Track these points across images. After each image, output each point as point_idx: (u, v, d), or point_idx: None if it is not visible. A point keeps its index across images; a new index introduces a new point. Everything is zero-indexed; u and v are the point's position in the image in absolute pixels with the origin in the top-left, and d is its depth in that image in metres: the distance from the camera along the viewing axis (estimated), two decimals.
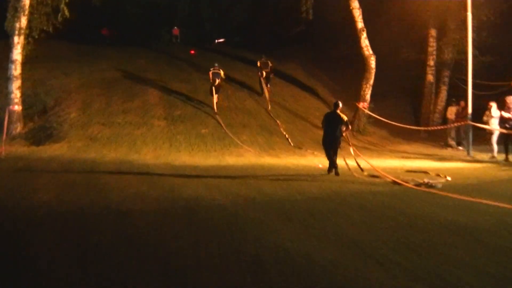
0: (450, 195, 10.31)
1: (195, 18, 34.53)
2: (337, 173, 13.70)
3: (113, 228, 7.58)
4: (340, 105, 14.28)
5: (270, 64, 25.06)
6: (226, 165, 15.90)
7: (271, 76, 25.20)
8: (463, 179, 13.08)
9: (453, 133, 22.59)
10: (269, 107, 23.60)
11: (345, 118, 14.08)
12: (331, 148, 13.94)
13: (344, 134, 14.26)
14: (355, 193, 10.69)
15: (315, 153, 18.59)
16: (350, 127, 14.66)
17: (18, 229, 7.54)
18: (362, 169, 14.23)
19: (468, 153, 19.28)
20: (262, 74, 24.92)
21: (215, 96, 23.22)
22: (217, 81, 23.48)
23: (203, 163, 16.35)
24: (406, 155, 19.74)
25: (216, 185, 11.51)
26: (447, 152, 21.15)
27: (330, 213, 8.54)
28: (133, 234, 7.22)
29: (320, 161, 16.16)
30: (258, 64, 25.29)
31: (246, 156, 18.22)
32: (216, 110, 22.42)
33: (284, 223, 7.80)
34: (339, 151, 14.22)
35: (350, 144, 15.68)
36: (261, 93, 24.97)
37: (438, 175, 13.39)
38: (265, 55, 25.95)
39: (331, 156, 13.86)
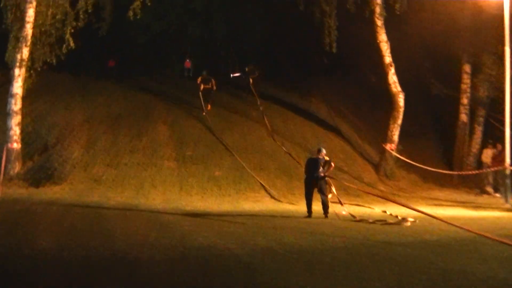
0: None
1: (208, 48, 34.68)
2: (326, 215, 14.92)
3: (119, 280, 7.61)
4: (323, 151, 15.93)
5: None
6: (241, 211, 15.97)
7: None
8: (500, 229, 12.95)
9: (490, 178, 22.36)
10: (270, 128, 24.60)
11: (326, 158, 15.73)
12: (311, 186, 15.25)
13: (325, 173, 15.49)
14: (382, 243, 10.64)
15: (335, 196, 18.56)
16: (333, 164, 15.93)
17: (16, 279, 7.55)
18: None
19: (507, 201, 19.04)
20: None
21: (208, 105, 26.14)
22: (203, 86, 26.27)
23: (217, 208, 16.42)
24: (438, 203, 19.69)
25: (231, 233, 11.53)
26: (483, 199, 21.04)
27: (356, 265, 8.49)
28: (141, 286, 7.24)
29: (343, 207, 16.12)
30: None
31: (264, 202, 18.35)
32: (205, 112, 25.30)
33: (306, 278, 7.73)
34: (329, 190, 15.69)
35: (332, 191, 16.39)
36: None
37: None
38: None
39: (311, 199, 15.14)
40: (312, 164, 15.58)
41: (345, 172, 22.87)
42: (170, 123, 24.87)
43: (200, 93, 26.65)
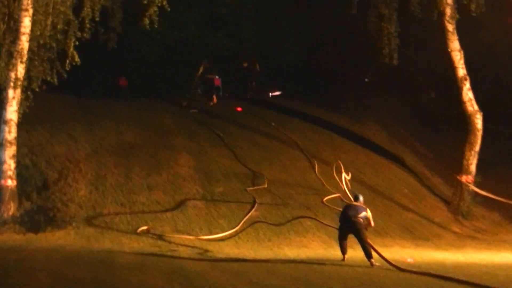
0: None
1: (237, 60, 34.72)
2: (371, 263, 14.87)
3: None
4: (361, 198, 16.14)
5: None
6: (284, 259, 15.86)
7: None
8: None
9: None
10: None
11: (369, 213, 15.70)
12: (348, 231, 15.50)
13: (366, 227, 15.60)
14: None
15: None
16: (372, 224, 15.99)
17: None
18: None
19: None
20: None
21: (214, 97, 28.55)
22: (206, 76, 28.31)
23: (253, 255, 16.31)
24: None
25: (270, 286, 11.45)
26: None
27: None
28: None
29: (409, 253, 15.89)
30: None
31: (311, 247, 18.15)
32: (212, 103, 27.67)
33: None
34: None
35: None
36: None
37: None
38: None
39: (345, 243, 15.55)
40: (352, 211, 15.66)
41: (410, 211, 22.57)
42: (195, 153, 24.82)
43: (202, 85, 28.73)
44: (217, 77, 32.74)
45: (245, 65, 29.28)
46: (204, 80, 27.11)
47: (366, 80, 35.59)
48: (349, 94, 33.31)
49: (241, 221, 19.63)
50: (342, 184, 20.34)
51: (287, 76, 33.27)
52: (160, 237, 18.38)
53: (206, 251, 17.03)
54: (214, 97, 27.02)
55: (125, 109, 29.99)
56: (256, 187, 22.19)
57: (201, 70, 27.33)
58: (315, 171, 23.98)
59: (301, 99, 32.06)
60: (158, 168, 23.16)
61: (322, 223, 19.34)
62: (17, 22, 21.34)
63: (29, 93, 21.90)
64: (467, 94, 24.26)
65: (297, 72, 34.26)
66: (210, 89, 26.89)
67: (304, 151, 25.75)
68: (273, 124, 27.91)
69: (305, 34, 35.03)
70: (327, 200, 20.74)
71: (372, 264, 14.77)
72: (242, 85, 27.82)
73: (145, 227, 18.76)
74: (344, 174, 20.40)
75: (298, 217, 19.98)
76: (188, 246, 17.64)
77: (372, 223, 15.90)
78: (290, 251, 17.25)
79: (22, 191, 21.20)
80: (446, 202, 24.36)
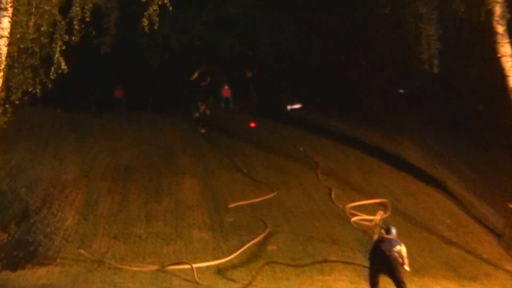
0: None
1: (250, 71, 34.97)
2: None
3: None
4: (394, 231, 15.90)
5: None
6: None
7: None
8: None
9: None
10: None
11: (403, 248, 15.52)
12: (381, 269, 15.33)
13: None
14: None
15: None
16: (406, 263, 15.69)
17: None
18: None
19: None
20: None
21: (205, 107, 27.90)
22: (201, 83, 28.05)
23: None
24: None
25: None
26: None
27: None
28: None
29: None
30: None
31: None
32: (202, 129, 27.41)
33: None
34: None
35: None
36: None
37: None
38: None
39: (377, 283, 15.40)
40: (385, 245, 15.55)
41: (454, 245, 22.12)
42: (201, 177, 24.79)
43: (196, 93, 28.38)
44: (226, 87, 32.92)
45: (249, 75, 29.44)
46: (198, 87, 27.05)
47: (401, 91, 35.51)
48: (381, 107, 33.39)
49: (255, 256, 19.44)
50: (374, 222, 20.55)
51: (307, 85, 33.29)
52: (159, 275, 18.08)
53: None
54: (204, 107, 27.08)
55: (121, 125, 30.13)
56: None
57: (195, 75, 27.28)
58: (331, 197, 23.93)
59: (324, 112, 32.10)
60: (159, 194, 23.03)
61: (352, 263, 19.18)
62: None
63: (7, 106, 21.72)
64: None
65: (319, 81, 34.26)
66: (203, 97, 26.95)
67: (325, 174, 25.80)
68: (301, 149, 28.05)
69: (328, 36, 35.02)
70: (355, 221, 21.13)
71: None
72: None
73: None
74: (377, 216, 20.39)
75: (322, 261, 19.63)
76: (193, 286, 17.33)
77: (407, 263, 15.64)
78: None
79: None
80: (497, 234, 23.79)
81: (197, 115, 31.07)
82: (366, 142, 29.14)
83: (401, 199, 24.79)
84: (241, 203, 22.72)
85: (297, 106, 32.67)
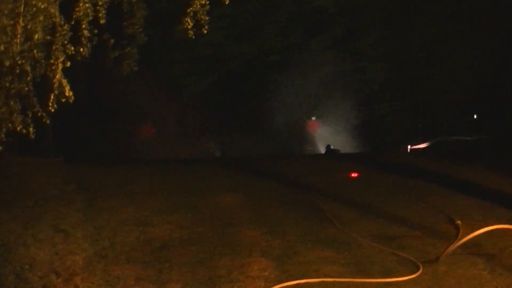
0: None
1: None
2: None
3: None
4: None
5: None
6: None
7: None
8: None
9: None
10: None
11: None
12: None
13: None
14: None
15: None
16: None
17: None
18: None
19: None
20: None
21: None
22: None
23: None
24: None
25: None
26: None
27: None
28: None
29: None
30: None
31: None
32: None
33: None
34: None
35: None
36: None
37: None
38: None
39: None
40: None
41: None
42: (278, 256, 24.41)
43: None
44: (313, 118, 33.71)
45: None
46: None
47: None
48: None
49: None
50: None
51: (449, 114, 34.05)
52: None
53: None
54: None
55: (151, 180, 30.06)
56: None
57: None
58: None
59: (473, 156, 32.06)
60: (213, 283, 22.26)
61: None
62: None
63: None
64: None
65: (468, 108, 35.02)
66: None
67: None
68: (459, 222, 28.03)
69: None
70: None
71: None
72: None
73: None
74: None
75: None
76: None
77: None
78: None
79: None
80: None
81: None
82: None
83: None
84: None
85: (423, 145, 33.06)
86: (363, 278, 22.77)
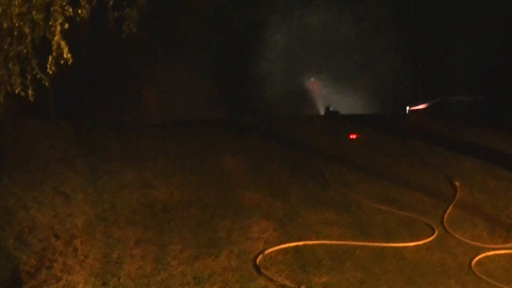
0: None
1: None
2: None
3: None
4: None
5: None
6: None
7: None
8: None
9: None
10: None
11: None
12: None
13: None
14: None
15: None
16: None
17: None
18: None
19: None
20: None
21: None
22: None
23: None
24: None
25: None
26: None
27: None
28: None
29: None
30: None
31: None
32: None
33: None
34: None
35: None
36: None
37: None
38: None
39: None
40: None
41: None
42: (278, 218, 24.41)
43: None
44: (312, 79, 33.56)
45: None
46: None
47: None
48: None
49: None
50: None
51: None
52: None
53: None
54: None
55: (154, 142, 29.93)
56: None
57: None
58: None
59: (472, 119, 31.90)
60: (214, 245, 22.41)
61: None
62: None
63: None
64: None
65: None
66: None
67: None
68: (457, 183, 28.34)
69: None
70: None
71: None
72: None
73: None
74: None
75: None
76: None
77: None
78: None
79: None
80: None
81: None
82: None
83: None
84: None
85: (421, 106, 32.87)
86: (364, 239, 23.02)
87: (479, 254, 21.86)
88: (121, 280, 20.66)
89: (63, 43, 21.56)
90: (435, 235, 23.38)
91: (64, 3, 21.97)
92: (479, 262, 21.29)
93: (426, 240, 22.98)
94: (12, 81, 21.85)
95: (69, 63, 21.64)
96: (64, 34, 21.77)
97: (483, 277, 20.07)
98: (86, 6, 22.12)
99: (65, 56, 21.48)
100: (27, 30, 22.06)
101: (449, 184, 28.62)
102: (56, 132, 29.47)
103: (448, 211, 25.48)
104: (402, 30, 40.12)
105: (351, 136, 31.94)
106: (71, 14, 21.96)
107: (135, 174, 27.06)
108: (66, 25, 21.85)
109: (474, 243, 22.81)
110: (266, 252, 21.75)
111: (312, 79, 33.47)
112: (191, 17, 33.10)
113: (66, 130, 29.91)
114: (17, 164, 25.73)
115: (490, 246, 22.71)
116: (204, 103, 36.25)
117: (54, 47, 21.60)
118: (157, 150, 29.48)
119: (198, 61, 37.04)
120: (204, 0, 22.74)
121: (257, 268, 20.84)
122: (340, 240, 22.91)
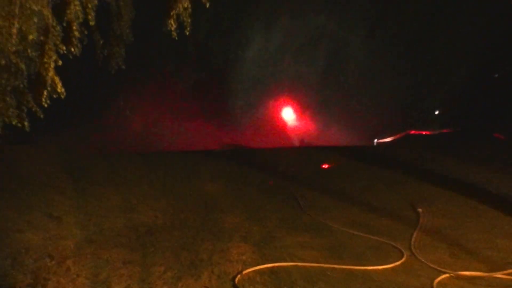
0: None
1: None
2: None
3: None
4: None
5: None
6: None
7: None
8: None
9: None
10: None
11: None
12: None
13: None
14: None
15: None
16: None
17: None
18: None
19: None
20: None
21: None
22: None
23: None
24: None
25: None
26: None
27: None
28: None
29: None
30: None
31: None
32: None
33: None
34: None
35: None
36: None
37: None
38: None
39: None
40: None
41: None
42: (256, 241, 25.04)
43: None
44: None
45: None
46: None
47: None
48: None
49: None
50: None
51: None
52: None
53: None
54: None
55: (138, 168, 30.12)
56: None
57: None
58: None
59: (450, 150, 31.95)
60: (195, 266, 23.01)
61: None
62: None
63: None
64: None
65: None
66: None
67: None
68: (420, 209, 28.86)
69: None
70: None
71: None
72: None
73: None
74: None
75: None
76: None
77: None
78: None
79: None
80: None
81: None
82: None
83: None
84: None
85: (387, 140, 32.95)
86: (335, 262, 23.40)
87: (440, 276, 21.99)
88: None
89: (56, 79, 22.05)
90: (404, 259, 23.62)
91: (57, 42, 22.53)
92: (440, 283, 21.46)
93: (397, 263, 23.28)
94: (10, 113, 22.22)
95: (63, 97, 22.05)
96: (57, 70, 22.19)
97: None
98: (78, 44, 22.59)
99: (58, 90, 21.93)
100: (23, 66, 22.52)
101: (413, 210, 29.18)
102: (46, 158, 29.49)
103: (414, 236, 25.83)
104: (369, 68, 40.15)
105: (324, 166, 32.00)
106: (64, 51, 22.42)
107: (120, 199, 27.37)
108: (60, 62, 22.33)
109: (434, 266, 22.92)
110: (244, 272, 22.16)
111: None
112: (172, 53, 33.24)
113: (56, 156, 29.92)
114: (11, 190, 25.94)
115: (451, 271, 22.77)
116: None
117: (49, 82, 22.02)
118: (140, 176, 29.56)
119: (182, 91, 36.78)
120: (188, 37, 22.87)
121: (235, 287, 21.14)
122: (313, 262, 23.17)
